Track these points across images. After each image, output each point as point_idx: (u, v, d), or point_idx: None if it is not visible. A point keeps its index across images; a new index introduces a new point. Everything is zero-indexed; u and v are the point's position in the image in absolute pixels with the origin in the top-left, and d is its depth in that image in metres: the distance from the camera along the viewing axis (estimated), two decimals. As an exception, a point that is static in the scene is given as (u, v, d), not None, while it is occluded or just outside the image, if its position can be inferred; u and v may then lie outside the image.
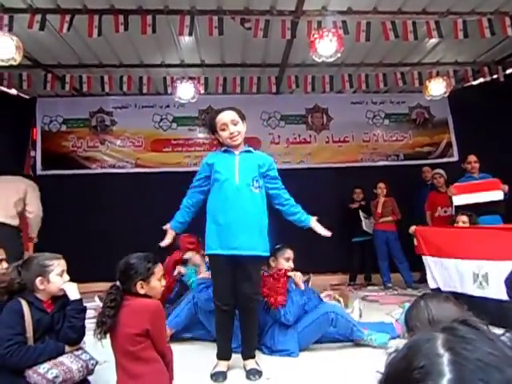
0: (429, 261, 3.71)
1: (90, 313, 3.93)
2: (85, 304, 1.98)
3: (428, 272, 3.76)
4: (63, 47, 4.64)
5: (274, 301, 2.66)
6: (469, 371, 0.41)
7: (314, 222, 2.47)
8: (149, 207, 5.72)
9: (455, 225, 3.86)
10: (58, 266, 1.91)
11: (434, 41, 4.72)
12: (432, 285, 3.70)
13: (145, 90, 5.43)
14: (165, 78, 5.41)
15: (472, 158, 4.54)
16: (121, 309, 1.74)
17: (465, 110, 5.89)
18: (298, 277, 2.83)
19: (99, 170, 6.05)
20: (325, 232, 2.47)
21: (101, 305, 3.75)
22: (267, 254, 2.43)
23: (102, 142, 6.12)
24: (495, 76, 5.46)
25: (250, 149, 2.51)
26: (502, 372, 0.41)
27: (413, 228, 3.97)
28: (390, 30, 4.10)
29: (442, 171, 5.48)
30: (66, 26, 3.81)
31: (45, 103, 6.04)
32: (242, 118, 2.47)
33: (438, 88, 5.04)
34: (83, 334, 1.88)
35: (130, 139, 6.14)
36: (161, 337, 1.75)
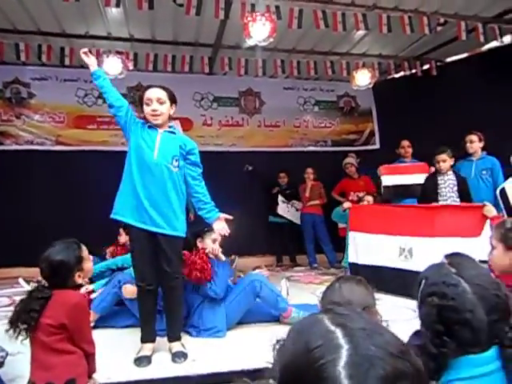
0: (356, 236, 4.02)
1: (2, 301, 3.69)
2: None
3: (351, 247, 4.05)
4: (-31, 7, 4.14)
5: (195, 277, 2.67)
6: (361, 339, 0.48)
7: (218, 223, 2.41)
8: (71, 187, 5.40)
9: (361, 203, 4.28)
10: None
11: (361, 33, 4.94)
12: (352, 259, 4.02)
13: (67, 62, 5.04)
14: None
15: (405, 142, 4.83)
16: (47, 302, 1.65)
17: (387, 101, 6.27)
18: (217, 250, 2.86)
19: (14, 147, 5.55)
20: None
21: (26, 286, 3.50)
22: (182, 235, 2.39)
23: (17, 115, 5.60)
24: (414, 70, 5.87)
25: (175, 131, 2.48)
26: (382, 335, 0.49)
27: (348, 204, 4.20)
28: (320, 19, 4.21)
29: (352, 160, 5.83)
30: (-30, -18, 3.40)
31: None
32: (172, 100, 2.42)
33: (363, 78, 5.31)
34: (-9, 326, 1.75)
35: (49, 114, 5.69)
36: (80, 332, 1.68)
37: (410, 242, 3.64)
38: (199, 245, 2.91)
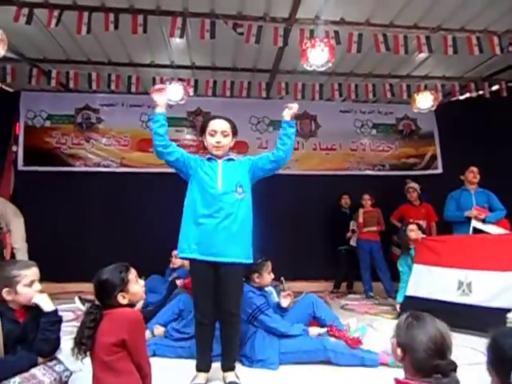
0: (420, 269, 3.90)
1: (67, 315, 3.86)
2: (60, 308, 1.92)
3: (413, 279, 3.90)
4: (50, 42, 4.54)
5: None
6: None
7: (286, 114, 2.61)
8: (132, 208, 5.65)
9: (407, 232, 4.22)
10: (26, 277, 1.82)
11: (423, 55, 4.78)
12: (410, 292, 3.87)
13: (133, 89, 5.35)
14: (154, 79, 5.33)
15: (475, 168, 4.61)
16: (101, 321, 1.69)
17: (451, 124, 5.98)
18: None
19: (83, 168, 5.94)
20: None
21: (81, 306, 3.68)
22: (250, 260, 2.37)
23: (87, 139, 6.01)
24: (481, 92, 5.55)
25: (232, 157, 2.51)
26: None
27: (419, 237, 4.14)
28: (381, 42, 4.12)
29: (415, 185, 5.56)
30: (54, 21, 3.72)
31: (29, 97, 5.89)
32: (234, 132, 2.48)
33: (425, 101, 5.08)
34: (57, 346, 1.82)
35: (115, 138, 6.04)
36: (138, 348, 1.70)
37: (469, 276, 3.51)
38: (257, 280, 2.90)
